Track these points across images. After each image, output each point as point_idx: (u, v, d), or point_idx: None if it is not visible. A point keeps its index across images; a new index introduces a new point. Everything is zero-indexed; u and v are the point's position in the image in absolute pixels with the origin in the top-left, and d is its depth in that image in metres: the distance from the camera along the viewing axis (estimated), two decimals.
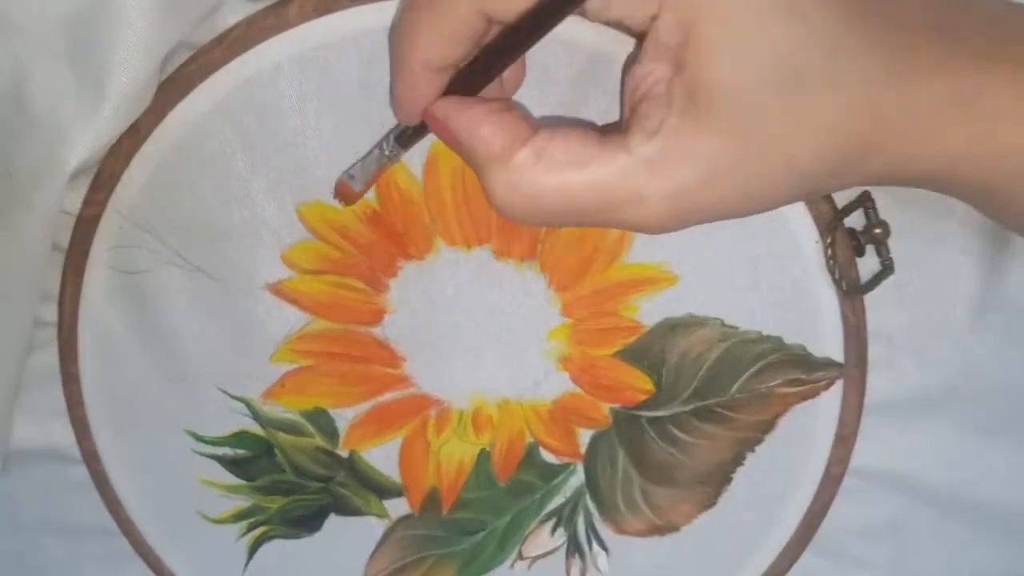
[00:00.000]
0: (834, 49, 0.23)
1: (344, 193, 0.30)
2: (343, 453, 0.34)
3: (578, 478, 0.35)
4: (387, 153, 0.29)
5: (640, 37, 0.24)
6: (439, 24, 0.24)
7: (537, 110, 0.29)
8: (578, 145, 0.24)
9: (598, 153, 0.24)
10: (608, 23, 0.25)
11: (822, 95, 0.23)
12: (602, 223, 0.25)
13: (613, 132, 0.24)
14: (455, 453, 0.34)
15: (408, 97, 0.26)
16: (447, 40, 0.24)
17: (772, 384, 0.33)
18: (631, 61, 0.26)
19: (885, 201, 0.29)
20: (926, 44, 0.23)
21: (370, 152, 0.29)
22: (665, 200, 0.24)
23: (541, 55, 0.28)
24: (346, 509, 0.36)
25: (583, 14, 0.24)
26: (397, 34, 0.26)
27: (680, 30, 0.23)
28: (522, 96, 0.29)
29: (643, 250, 0.30)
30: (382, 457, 0.34)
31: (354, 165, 0.30)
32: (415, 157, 0.30)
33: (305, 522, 0.36)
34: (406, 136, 0.28)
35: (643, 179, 0.23)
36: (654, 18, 0.23)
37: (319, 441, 0.34)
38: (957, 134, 0.23)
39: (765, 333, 0.32)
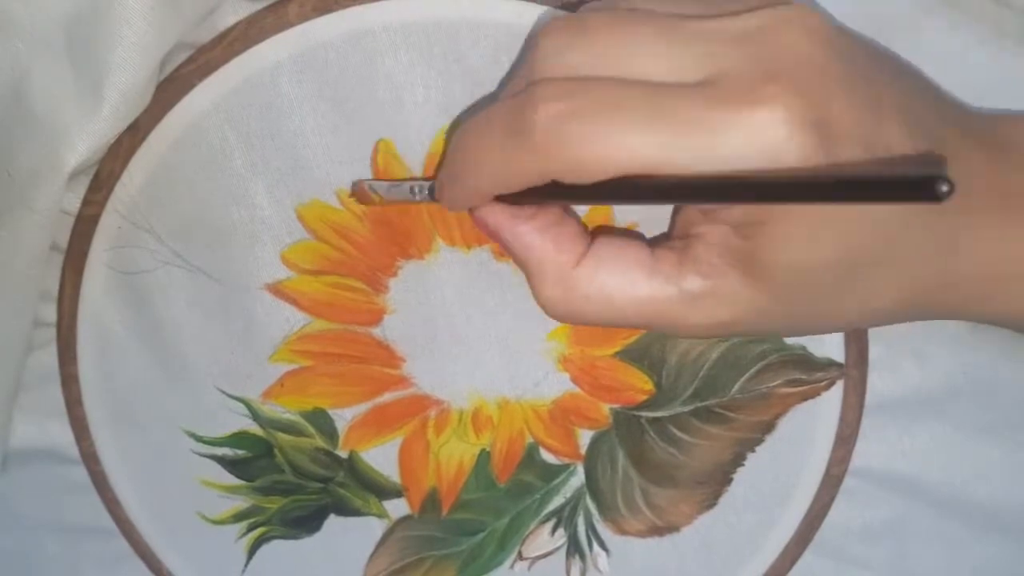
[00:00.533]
0: (892, 239, 0.24)
1: (361, 195, 0.30)
2: (343, 453, 0.34)
3: (578, 478, 0.35)
4: (416, 197, 0.29)
5: None
6: (506, 177, 0.24)
7: None
8: (630, 269, 0.26)
9: (647, 282, 0.25)
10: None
11: (875, 278, 0.24)
12: (636, 329, 0.27)
13: (664, 255, 0.26)
14: (455, 453, 0.34)
15: (458, 200, 0.26)
16: (511, 186, 0.24)
17: (772, 384, 0.33)
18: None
19: None
20: (982, 212, 0.25)
21: (400, 183, 0.29)
22: (707, 329, 0.25)
23: None
24: (346, 510, 0.35)
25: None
26: (463, 152, 0.25)
27: (755, 218, 0.23)
28: None
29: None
30: (382, 457, 0.34)
31: (381, 183, 0.29)
32: (415, 157, 0.30)
33: (305, 523, 0.36)
34: None
35: (689, 311, 0.25)
36: None
37: (319, 441, 0.34)
38: (1009, 293, 0.25)
39: None
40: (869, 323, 0.26)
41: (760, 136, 0.21)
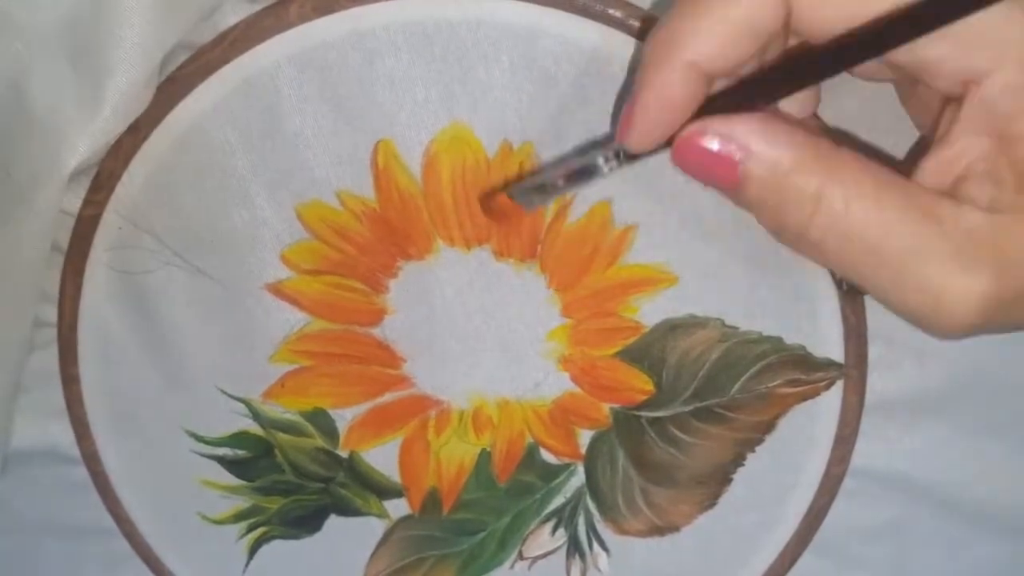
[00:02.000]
0: None
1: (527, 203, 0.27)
2: (343, 453, 0.34)
3: (578, 478, 0.35)
4: (605, 169, 0.24)
5: (941, 104, 0.20)
6: (728, 8, 0.20)
7: (537, 110, 0.29)
8: (896, 184, 0.20)
9: (923, 202, 0.20)
10: (900, 81, 0.21)
11: None
12: (887, 292, 0.20)
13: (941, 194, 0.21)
14: (455, 453, 0.34)
15: (656, 108, 0.21)
16: (730, 32, 0.20)
17: (772, 384, 0.33)
18: (935, 135, 0.22)
19: None
20: None
21: (547, 182, 0.26)
22: (985, 281, 0.20)
23: (541, 55, 0.28)
24: (346, 510, 0.35)
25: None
26: (664, 31, 0.21)
27: (1019, 96, 0.19)
28: (522, 96, 0.29)
29: (643, 251, 0.30)
30: (382, 457, 0.34)
31: (529, 186, 0.27)
32: (415, 157, 0.30)
33: (305, 522, 0.36)
34: (620, 158, 0.23)
35: (965, 257, 0.19)
36: (974, 82, 0.19)
37: (319, 441, 0.34)
38: None
39: (765, 333, 0.32)
40: None
41: None
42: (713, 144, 0.21)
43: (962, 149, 0.20)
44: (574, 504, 0.35)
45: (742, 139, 0.21)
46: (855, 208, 0.20)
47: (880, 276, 0.20)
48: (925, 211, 0.20)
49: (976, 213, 0.19)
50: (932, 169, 0.21)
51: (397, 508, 0.35)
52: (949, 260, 0.19)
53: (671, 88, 0.21)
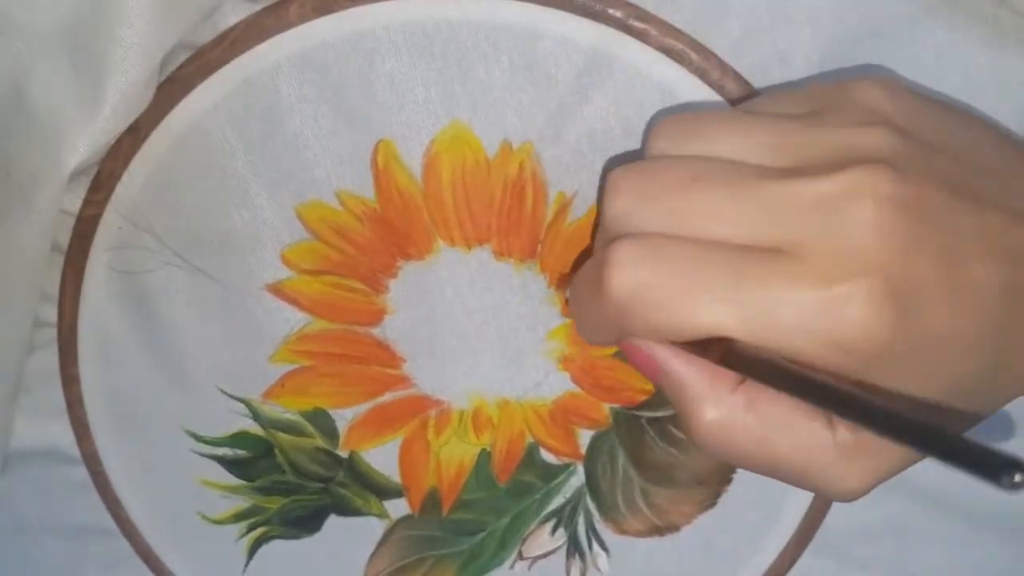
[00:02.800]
0: (996, 352, 0.23)
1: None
2: (343, 453, 0.34)
3: (578, 478, 0.35)
4: None
5: None
6: (603, 334, 0.25)
7: (537, 110, 0.29)
8: (787, 408, 0.24)
9: (805, 425, 0.24)
10: None
11: (1000, 382, 0.24)
12: (790, 481, 0.25)
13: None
14: (455, 453, 0.34)
15: (601, 337, 0.26)
16: (609, 341, 0.25)
17: None
18: None
19: None
20: None
21: None
22: (864, 480, 0.24)
23: (541, 55, 0.28)
24: (346, 510, 0.35)
25: None
26: (573, 302, 0.26)
27: None
28: (522, 96, 0.29)
29: None
30: (382, 458, 0.34)
31: None
32: (415, 157, 0.30)
33: (305, 523, 0.36)
34: None
35: (845, 462, 0.24)
36: None
37: (319, 441, 0.34)
38: None
39: None
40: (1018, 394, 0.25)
41: (841, 313, 0.21)
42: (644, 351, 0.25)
43: None
44: (574, 504, 0.35)
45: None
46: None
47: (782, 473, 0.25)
48: (820, 422, 0.24)
49: (844, 431, 0.24)
50: None
51: (397, 508, 0.35)
52: (833, 458, 0.24)
53: (609, 335, 0.25)
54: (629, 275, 0.23)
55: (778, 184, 0.22)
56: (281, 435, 0.34)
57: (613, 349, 0.32)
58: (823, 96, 0.25)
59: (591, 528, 0.35)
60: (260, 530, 0.36)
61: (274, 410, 0.34)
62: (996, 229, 0.23)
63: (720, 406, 0.24)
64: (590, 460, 0.34)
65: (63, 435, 0.34)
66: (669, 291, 0.22)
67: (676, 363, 0.25)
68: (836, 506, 0.34)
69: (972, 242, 0.23)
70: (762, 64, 0.28)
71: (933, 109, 0.25)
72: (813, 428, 0.24)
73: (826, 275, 0.21)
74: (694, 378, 0.25)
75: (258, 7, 0.28)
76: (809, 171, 0.22)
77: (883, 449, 0.24)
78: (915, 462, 0.25)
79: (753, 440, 0.24)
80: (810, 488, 0.25)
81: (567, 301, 0.30)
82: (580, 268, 0.26)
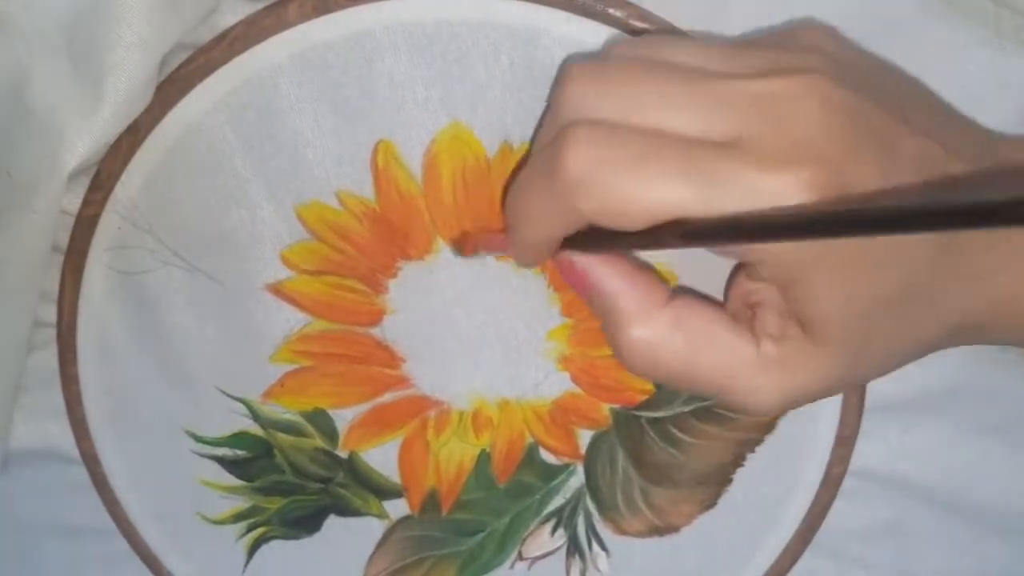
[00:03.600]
0: (924, 274, 0.24)
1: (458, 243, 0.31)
2: (343, 454, 0.34)
3: (578, 479, 0.35)
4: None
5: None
6: (551, 222, 0.25)
7: (537, 110, 0.29)
8: (712, 324, 0.26)
9: (729, 340, 0.26)
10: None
11: (918, 315, 0.25)
12: (710, 395, 0.27)
13: (739, 319, 0.26)
14: (455, 454, 0.34)
15: (523, 255, 0.26)
16: (556, 231, 0.25)
17: None
18: (738, 267, 0.28)
19: None
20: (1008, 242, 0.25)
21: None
22: (777, 395, 0.26)
23: (541, 55, 0.28)
24: (346, 510, 0.35)
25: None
26: (511, 208, 0.26)
27: (788, 274, 0.24)
28: (522, 96, 0.29)
29: (642, 251, 0.30)
30: (382, 458, 0.34)
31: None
32: (415, 157, 0.30)
33: (304, 523, 0.36)
34: None
35: (763, 376, 0.25)
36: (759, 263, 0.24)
37: (319, 442, 0.34)
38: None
39: None
40: (921, 355, 0.26)
41: (785, 199, 0.22)
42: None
43: (755, 288, 0.26)
44: (574, 504, 0.35)
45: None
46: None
47: (699, 382, 0.26)
48: (745, 336, 0.26)
49: (768, 344, 0.25)
50: (738, 296, 0.27)
51: (397, 508, 0.35)
52: (754, 370, 0.25)
53: (536, 249, 0.26)
54: (585, 153, 0.23)
55: (731, 81, 0.23)
56: (281, 435, 0.34)
57: None
58: (772, 37, 0.26)
59: (591, 528, 0.35)
60: (260, 530, 0.36)
61: (274, 410, 0.34)
62: (933, 156, 0.24)
63: (648, 324, 0.26)
64: (590, 460, 0.34)
65: (63, 435, 0.34)
66: (625, 168, 0.23)
67: (610, 281, 0.26)
68: (836, 506, 0.34)
69: (910, 163, 0.24)
70: None
71: (873, 58, 0.27)
72: (737, 342, 0.26)
73: (773, 162, 0.22)
74: (626, 296, 0.26)
75: (258, 7, 0.28)
76: (760, 74, 0.24)
77: (802, 365, 0.25)
78: (833, 387, 0.26)
79: (678, 357, 0.26)
80: (727, 403, 0.26)
81: (502, 206, 0.29)
82: (515, 179, 0.26)
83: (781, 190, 0.22)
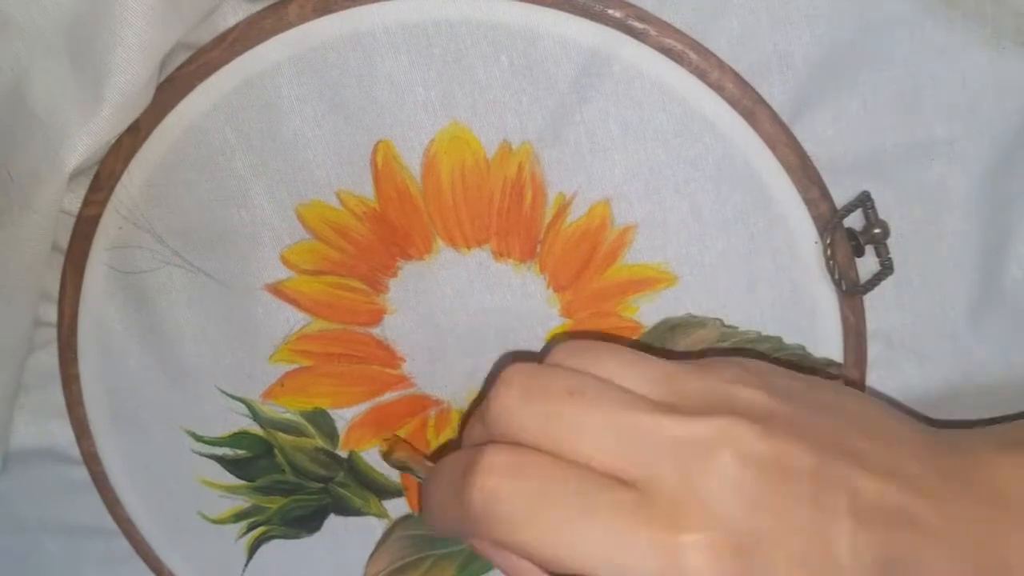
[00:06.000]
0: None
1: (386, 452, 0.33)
2: (343, 453, 0.35)
3: None
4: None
5: None
6: (458, 532, 0.25)
7: (537, 110, 0.29)
8: None
9: None
10: None
11: None
12: None
13: None
14: None
15: (446, 526, 0.26)
16: (466, 538, 0.26)
17: None
18: None
19: (885, 201, 0.29)
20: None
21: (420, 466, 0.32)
22: None
23: (541, 55, 0.28)
24: (346, 509, 0.36)
25: None
26: (428, 493, 0.27)
27: None
28: (521, 96, 0.29)
29: (642, 251, 0.30)
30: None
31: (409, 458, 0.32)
32: (415, 157, 0.30)
33: (305, 522, 0.36)
34: None
35: None
36: None
37: (319, 441, 0.34)
38: None
39: (765, 333, 0.32)
40: None
41: (681, 562, 0.22)
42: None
43: None
44: None
45: None
46: None
47: None
48: None
49: None
50: None
51: (397, 508, 0.35)
52: None
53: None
54: (492, 485, 0.23)
55: (647, 416, 0.23)
56: (281, 435, 0.34)
57: None
58: (714, 361, 0.26)
59: None
60: (260, 530, 0.36)
61: (274, 410, 0.34)
62: (870, 495, 0.23)
63: None
64: None
65: (63, 435, 0.35)
66: (520, 513, 0.23)
67: (513, 566, 0.26)
68: None
69: (843, 514, 0.23)
70: (761, 64, 0.28)
71: (820, 385, 0.27)
72: None
73: (672, 521, 0.22)
74: None
75: (258, 7, 0.28)
76: (681, 411, 0.23)
77: None
78: None
79: None
80: None
81: (420, 482, 0.31)
82: (442, 459, 0.27)
83: (676, 552, 0.22)
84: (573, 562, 0.22)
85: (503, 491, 0.23)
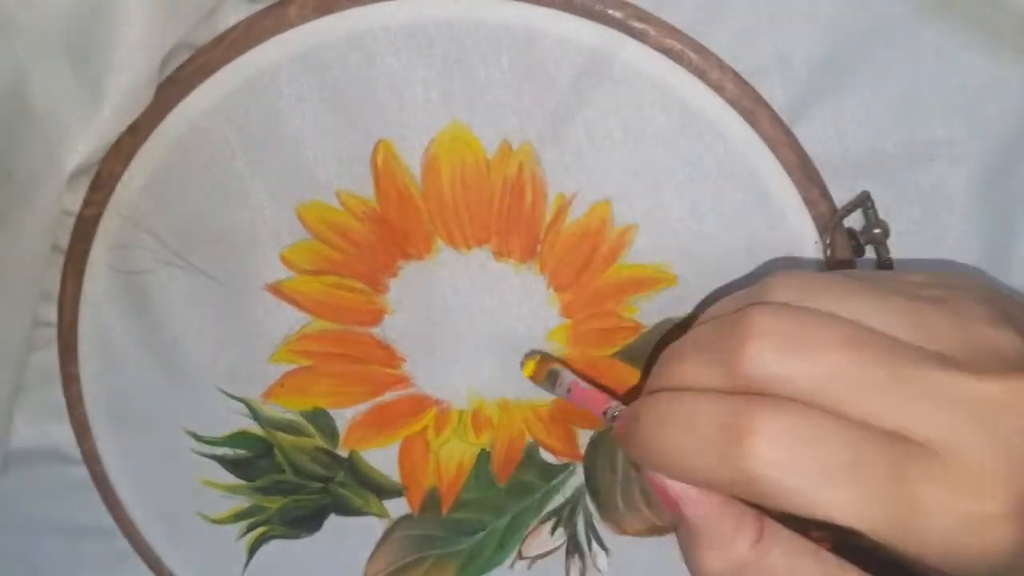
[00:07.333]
0: None
1: (537, 374, 0.31)
2: (343, 453, 0.35)
3: (578, 478, 0.35)
4: (607, 418, 0.28)
5: None
6: (707, 485, 0.23)
7: (537, 110, 0.29)
8: (800, 558, 0.23)
9: None
10: None
11: None
12: None
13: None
14: (455, 453, 0.34)
15: (647, 467, 0.25)
16: (709, 490, 0.24)
17: None
18: None
19: (885, 201, 0.29)
20: None
21: (594, 392, 0.29)
22: None
23: (541, 55, 0.28)
24: (346, 509, 0.36)
25: None
26: (661, 437, 0.24)
27: None
28: (522, 96, 0.29)
29: (643, 251, 0.30)
30: (382, 457, 0.34)
31: (573, 377, 0.30)
32: (415, 157, 0.30)
33: (305, 522, 0.36)
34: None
35: None
36: None
37: (319, 441, 0.34)
38: None
39: None
40: None
41: (988, 530, 0.21)
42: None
43: None
44: (573, 504, 0.35)
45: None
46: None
47: None
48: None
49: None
50: None
51: (397, 508, 0.35)
52: None
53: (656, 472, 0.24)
54: (780, 454, 0.21)
55: (939, 374, 0.22)
56: (281, 435, 0.34)
57: (614, 349, 0.32)
58: (950, 294, 0.24)
59: (591, 528, 0.35)
60: (260, 530, 0.36)
61: (274, 410, 0.34)
62: None
63: (731, 554, 0.23)
64: (590, 460, 0.34)
65: (63, 435, 0.35)
66: (819, 479, 0.21)
67: (703, 509, 0.24)
68: None
69: None
70: (761, 64, 0.28)
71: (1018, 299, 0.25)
72: None
73: (979, 488, 0.21)
74: (714, 528, 0.24)
75: (258, 7, 0.28)
76: (967, 366, 0.22)
77: None
78: None
79: None
80: None
81: (609, 417, 0.28)
82: (666, 395, 0.24)
83: (985, 521, 0.21)
84: (880, 536, 0.21)
85: (799, 462, 0.21)
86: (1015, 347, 0.22)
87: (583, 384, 0.29)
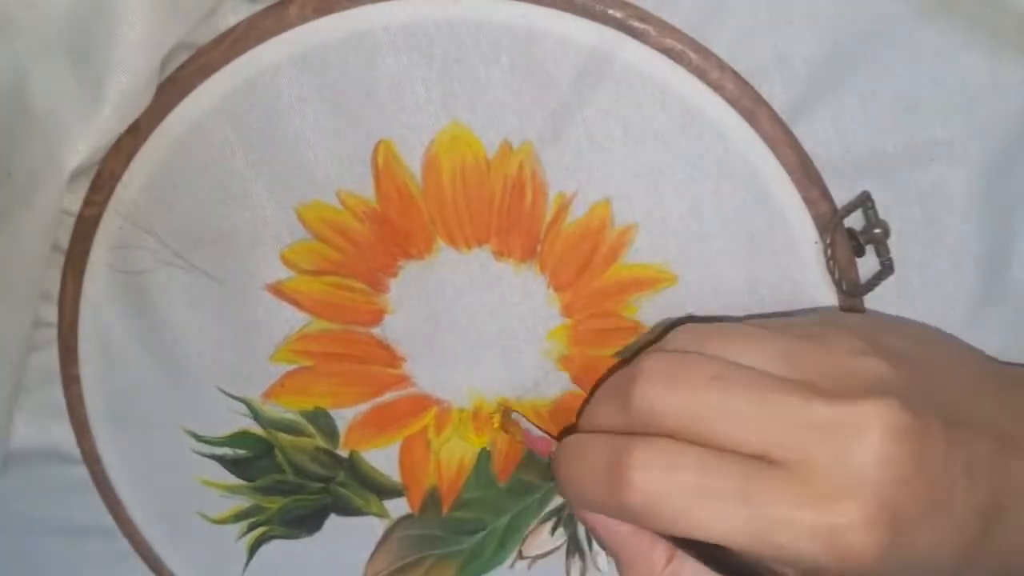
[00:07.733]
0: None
1: (505, 424, 0.33)
2: (343, 453, 0.35)
3: None
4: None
5: None
6: (604, 512, 0.26)
7: (537, 110, 0.29)
8: None
9: None
10: None
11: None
12: None
13: None
14: (455, 453, 0.34)
15: (588, 506, 0.27)
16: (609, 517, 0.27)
17: None
18: None
19: (885, 201, 0.30)
20: None
21: (542, 437, 0.32)
22: None
23: (541, 55, 0.28)
24: (346, 509, 0.36)
25: None
26: (566, 470, 0.27)
27: None
28: (522, 96, 0.29)
29: (643, 251, 0.30)
30: (382, 457, 0.35)
31: (527, 423, 0.33)
32: (415, 157, 0.30)
33: (305, 522, 0.36)
34: None
35: None
36: None
37: (319, 441, 0.34)
38: None
39: None
40: None
41: (839, 536, 0.23)
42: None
43: None
44: None
45: None
46: None
47: None
48: None
49: None
50: None
51: (397, 507, 0.35)
52: None
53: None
54: (651, 481, 0.24)
55: (795, 398, 0.24)
56: (281, 435, 0.34)
57: (614, 349, 0.32)
58: (826, 332, 0.27)
59: None
60: (260, 530, 0.36)
61: (274, 410, 0.34)
62: (984, 459, 0.25)
63: None
64: None
65: (63, 435, 0.34)
66: (682, 507, 0.24)
67: (617, 537, 0.27)
68: None
69: (960, 472, 0.24)
70: (761, 64, 0.28)
71: (909, 333, 0.28)
72: None
73: (828, 498, 0.23)
74: (630, 554, 0.27)
75: (258, 7, 0.28)
76: (824, 393, 0.24)
77: None
78: None
79: None
80: None
81: (550, 457, 0.31)
82: (574, 437, 0.28)
83: (834, 528, 0.23)
84: (739, 547, 0.24)
85: (664, 488, 0.24)
86: (877, 374, 0.25)
87: (534, 432, 0.32)
